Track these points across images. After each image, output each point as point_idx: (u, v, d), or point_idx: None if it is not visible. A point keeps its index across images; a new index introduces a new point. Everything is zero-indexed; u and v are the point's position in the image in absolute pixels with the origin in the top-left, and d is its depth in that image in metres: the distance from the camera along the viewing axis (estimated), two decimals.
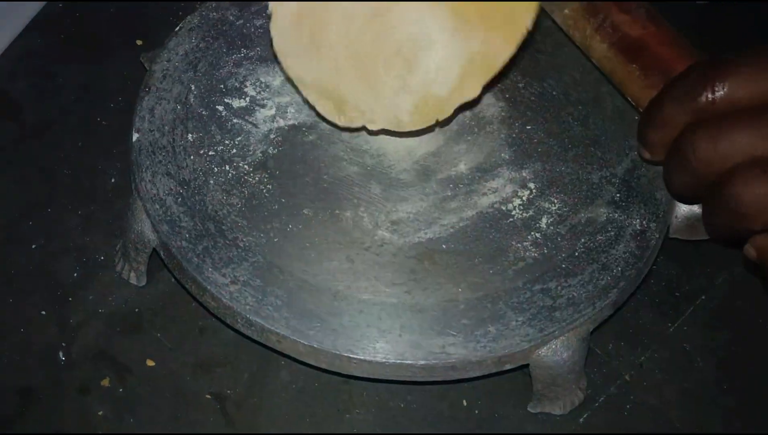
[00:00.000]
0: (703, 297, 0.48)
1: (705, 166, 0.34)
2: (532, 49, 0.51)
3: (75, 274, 0.48)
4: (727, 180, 0.33)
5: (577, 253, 0.43)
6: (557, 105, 0.49)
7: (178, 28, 0.51)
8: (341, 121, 0.45)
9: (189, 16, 0.52)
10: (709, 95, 0.34)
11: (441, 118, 0.44)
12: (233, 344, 0.46)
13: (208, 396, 0.44)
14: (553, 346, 0.40)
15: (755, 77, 0.34)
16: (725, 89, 0.34)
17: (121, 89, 0.56)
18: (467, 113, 0.48)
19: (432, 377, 0.40)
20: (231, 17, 0.52)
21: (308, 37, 0.43)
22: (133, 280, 0.47)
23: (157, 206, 0.44)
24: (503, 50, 0.41)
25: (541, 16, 0.52)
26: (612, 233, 0.44)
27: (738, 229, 0.35)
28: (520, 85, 0.49)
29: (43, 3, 0.59)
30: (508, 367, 0.41)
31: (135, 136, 0.46)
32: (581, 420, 0.44)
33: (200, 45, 0.50)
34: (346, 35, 0.42)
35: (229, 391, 0.44)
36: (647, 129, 0.38)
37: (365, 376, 0.41)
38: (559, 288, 0.42)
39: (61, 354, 0.45)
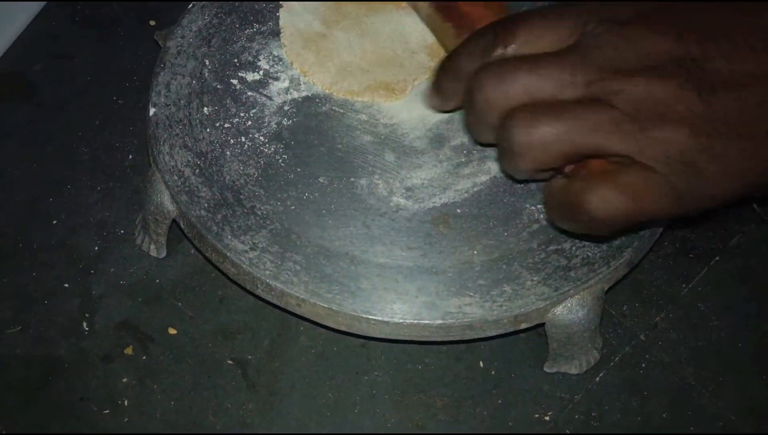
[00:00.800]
0: (717, 258, 0.49)
1: (490, 107, 0.35)
2: None
3: (96, 248, 0.49)
4: (505, 121, 0.35)
5: None
6: None
7: (190, 5, 0.52)
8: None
9: None
10: (500, 50, 0.36)
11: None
12: (253, 312, 0.46)
13: (230, 362, 0.45)
14: (569, 305, 0.41)
15: (540, 34, 0.35)
16: (514, 45, 0.36)
17: (136, 69, 0.57)
18: None
19: (449, 337, 0.41)
20: None
21: (315, 54, 0.49)
22: (153, 253, 0.48)
23: (176, 177, 0.45)
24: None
25: None
26: None
27: (518, 171, 0.36)
28: None
29: None
30: (524, 326, 0.41)
31: (152, 111, 0.47)
32: (597, 379, 0.44)
33: (213, 21, 0.51)
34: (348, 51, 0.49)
35: (250, 357, 0.45)
36: (442, 78, 0.39)
37: (383, 337, 0.41)
38: (574, 248, 0.42)
39: (84, 324, 0.46)
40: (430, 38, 0.50)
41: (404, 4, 0.51)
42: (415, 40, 0.50)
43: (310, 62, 0.49)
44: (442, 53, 0.49)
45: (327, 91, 0.48)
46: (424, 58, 0.49)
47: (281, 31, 0.50)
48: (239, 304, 0.47)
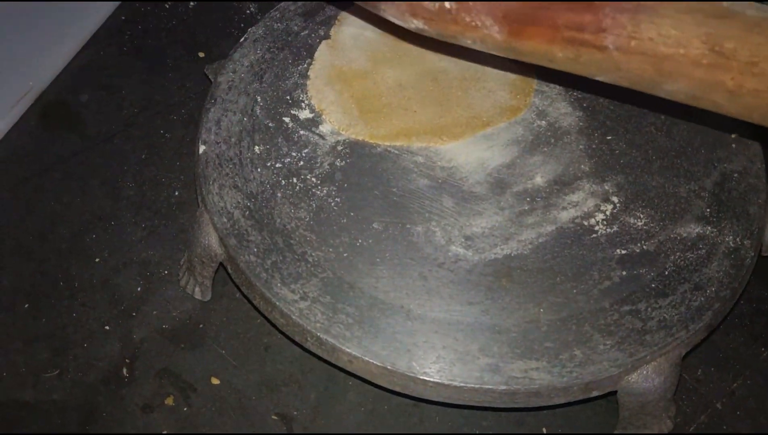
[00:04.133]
0: None
1: None
2: None
3: (138, 289, 0.47)
4: None
5: (667, 272, 0.40)
6: (638, 114, 0.46)
7: (242, 39, 0.50)
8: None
9: (253, 27, 0.51)
10: None
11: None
12: (299, 362, 0.44)
13: (275, 417, 0.42)
14: (644, 372, 0.38)
15: None
16: None
17: (184, 102, 0.55)
18: (542, 123, 0.46)
19: (513, 404, 0.38)
20: (296, 27, 0.50)
21: (337, 92, 0.47)
22: (197, 295, 0.46)
23: (225, 219, 0.43)
24: None
25: None
26: (703, 251, 0.41)
27: None
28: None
29: (106, 16, 0.60)
30: (595, 394, 0.38)
31: (201, 148, 0.45)
32: None
33: (265, 56, 0.49)
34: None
35: (295, 412, 0.42)
36: None
37: (441, 400, 0.39)
38: (649, 309, 0.39)
39: (124, 370, 0.44)
40: (513, 75, 0.47)
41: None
42: (494, 78, 0.47)
43: (328, 100, 0.46)
44: (526, 90, 0.47)
45: (345, 134, 0.45)
46: (504, 96, 0.46)
47: (312, 63, 0.48)
48: (285, 353, 0.44)
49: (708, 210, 0.43)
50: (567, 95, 0.47)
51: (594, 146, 0.45)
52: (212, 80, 0.49)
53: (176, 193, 0.51)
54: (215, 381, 0.44)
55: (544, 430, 0.42)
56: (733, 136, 0.46)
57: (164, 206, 0.50)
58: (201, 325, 0.46)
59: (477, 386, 0.37)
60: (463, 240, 0.42)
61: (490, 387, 0.37)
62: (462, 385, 0.37)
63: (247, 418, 0.42)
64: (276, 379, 0.44)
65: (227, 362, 0.44)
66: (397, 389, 0.39)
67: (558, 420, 0.42)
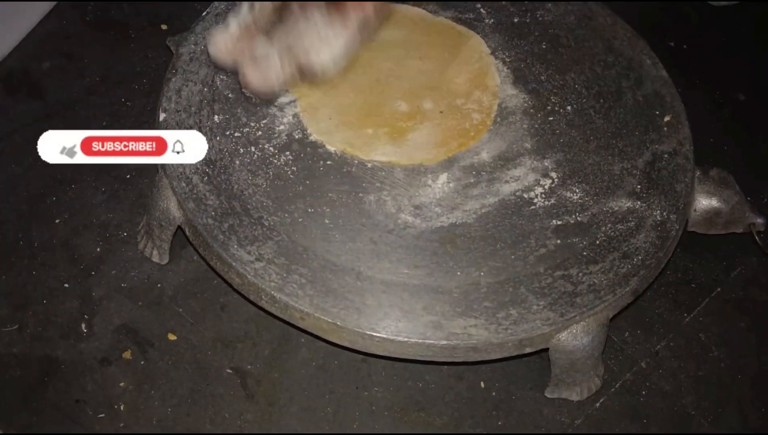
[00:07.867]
0: (719, 289, 0.49)
1: None
2: (555, 44, 0.52)
3: (98, 249, 0.48)
4: None
5: (598, 242, 0.44)
6: (579, 98, 0.49)
7: (205, 12, 0.52)
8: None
9: (215, 2, 0.52)
10: None
11: None
12: (254, 321, 0.46)
13: (229, 370, 0.44)
14: (574, 331, 0.41)
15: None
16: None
17: (145, 72, 0.56)
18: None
19: (453, 358, 0.41)
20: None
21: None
22: (155, 258, 0.48)
23: (184, 184, 0.44)
24: None
25: (561, 15, 0.53)
26: (633, 223, 0.44)
27: None
28: (543, 77, 0.50)
29: None
30: (528, 350, 0.41)
31: (162, 116, 0.47)
32: (597, 404, 0.44)
33: None
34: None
35: (249, 366, 0.45)
36: None
37: (387, 354, 0.41)
38: (581, 274, 0.42)
39: (83, 326, 0.46)
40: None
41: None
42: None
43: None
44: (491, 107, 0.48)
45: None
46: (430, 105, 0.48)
47: None
48: (240, 312, 0.46)
49: (639, 186, 0.46)
50: (514, 79, 0.50)
51: (537, 126, 0.48)
52: (174, 52, 0.51)
53: None
54: (172, 337, 0.45)
55: (482, 384, 0.45)
56: (666, 118, 0.49)
57: (124, 171, 0.52)
58: (159, 285, 0.47)
59: (420, 341, 0.40)
60: (412, 208, 0.44)
61: (432, 342, 0.40)
62: (406, 339, 0.40)
63: (203, 371, 0.44)
64: (231, 335, 0.46)
65: (184, 320, 0.46)
66: (346, 344, 0.41)
67: (496, 376, 0.45)
